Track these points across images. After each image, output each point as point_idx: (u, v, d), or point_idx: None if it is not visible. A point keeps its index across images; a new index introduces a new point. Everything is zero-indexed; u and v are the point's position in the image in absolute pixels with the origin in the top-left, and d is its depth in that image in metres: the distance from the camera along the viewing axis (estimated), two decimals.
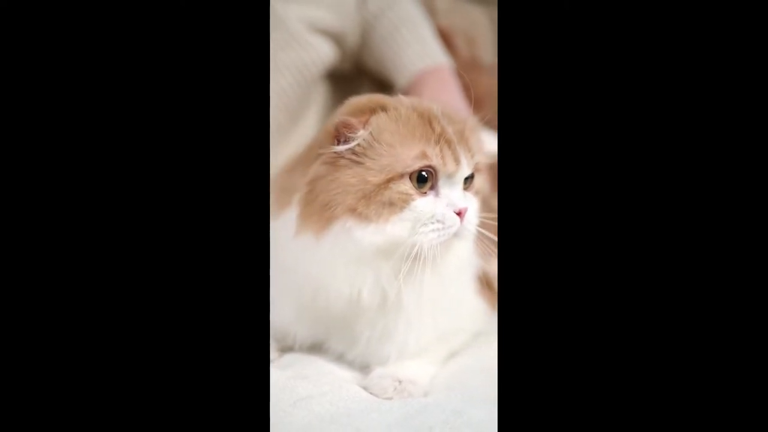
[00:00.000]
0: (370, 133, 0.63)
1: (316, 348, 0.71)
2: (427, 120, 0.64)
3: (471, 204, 0.65)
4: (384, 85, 1.11)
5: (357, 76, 1.14)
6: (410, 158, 0.62)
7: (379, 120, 0.63)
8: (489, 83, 1.15)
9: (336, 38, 1.09)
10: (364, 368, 0.69)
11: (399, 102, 0.66)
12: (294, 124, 1.08)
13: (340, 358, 0.70)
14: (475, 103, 1.17)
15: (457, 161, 0.63)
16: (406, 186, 0.62)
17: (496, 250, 0.72)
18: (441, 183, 0.63)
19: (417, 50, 1.09)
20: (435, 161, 0.62)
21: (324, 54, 1.07)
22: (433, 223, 0.62)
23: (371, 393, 0.66)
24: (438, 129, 0.63)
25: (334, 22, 1.08)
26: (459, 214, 0.63)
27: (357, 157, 0.62)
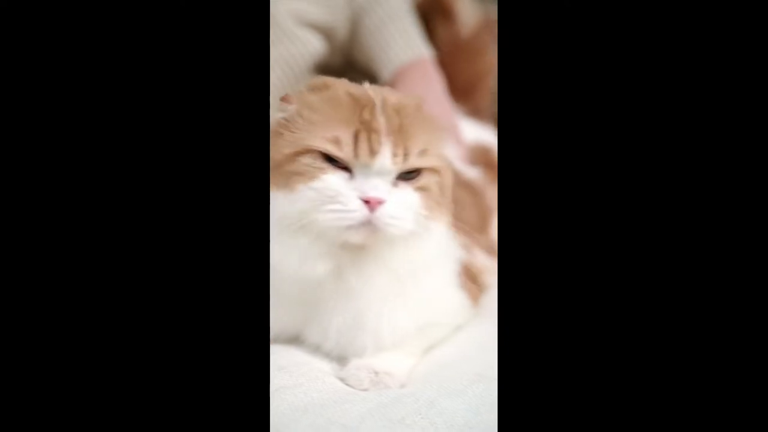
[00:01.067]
0: (296, 108, 0.65)
1: (293, 340, 0.72)
2: (360, 107, 0.64)
3: (395, 198, 0.63)
4: (373, 79, 1.13)
5: (347, 69, 1.16)
6: (322, 138, 0.62)
7: (310, 97, 0.65)
8: (490, 62, 1.17)
9: (325, 32, 1.10)
10: (342, 360, 0.69)
11: (341, 85, 0.67)
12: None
13: (317, 350, 0.70)
14: (472, 83, 1.20)
15: (373, 153, 0.62)
16: (314, 161, 0.63)
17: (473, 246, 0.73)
18: (357, 170, 0.63)
19: (401, 44, 1.10)
20: (345, 149, 0.62)
21: (312, 48, 1.08)
22: (333, 203, 0.62)
23: (348, 384, 0.66)
24: (367, 117, 0.63)
25: (323, 16, 1.09)
26: (368, 203, 0.62)
27: (281, 129, 0.65)
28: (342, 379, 0.67)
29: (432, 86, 1.06)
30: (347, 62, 1.16)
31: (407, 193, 0.64)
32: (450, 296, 0.73)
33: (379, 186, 0.62)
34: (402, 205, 0.63)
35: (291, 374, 0.66)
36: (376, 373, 0.67)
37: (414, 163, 0.64)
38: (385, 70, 1.09)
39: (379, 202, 0.62)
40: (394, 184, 0.64)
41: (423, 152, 0.65)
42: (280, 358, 0.69)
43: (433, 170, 0.66)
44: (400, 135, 0.64)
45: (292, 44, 1.06)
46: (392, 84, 1.04)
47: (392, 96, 0.67)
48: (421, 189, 0.65)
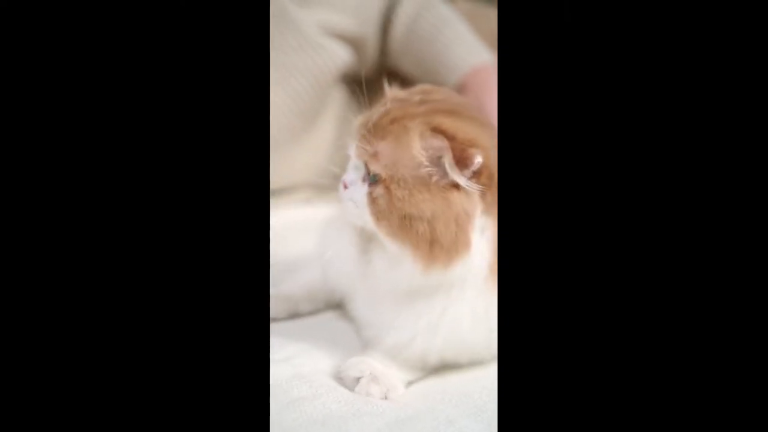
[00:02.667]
0: None
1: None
2: (377, 109, 0.68)
3: (356, 189, 0.67)
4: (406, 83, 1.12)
5: (375, 78, 1.15)
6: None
7: None
8: None
9: (354, 42, 1.10)
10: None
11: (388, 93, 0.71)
12: (309, 127, 1.09)
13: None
14: None
15: (353, 149, 0.67)
16: None
17: None
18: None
19: (463, 49, 1.09)
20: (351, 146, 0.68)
21: (339, 58, 1.08)
22: None
23: (340, 378, 0.68)
24: (368, 118, 0.67)
25: (352, 27, 1.09)
26: (344, 185, 0.68)
27: None
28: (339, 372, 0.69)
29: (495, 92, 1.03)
30: (380, 72, 1.14)
31: (363, 191, 0.66)
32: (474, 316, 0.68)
33: (350, 175, 0.68)
34: (358, 197, 0.66)
35: (311, 385, 0.66)
36: (360, 377, 0.67)
37: (372, 167, 0.65)
38: (451, 75, 1.08)
39: (345, 186, 0.68)
40: (363, 179, 0.66)
41: (387, 162, 0.64)
42: (302, 364, 0.69)
43: (386, 182, 0.64)
44: (374, 133, 0.65)
45: (317, 54, 1.05)
46: (460, 90, 1.03)
47: (400, 97, 0.69)
48: (371, 195, 0.65)
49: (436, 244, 0.62)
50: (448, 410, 0.63)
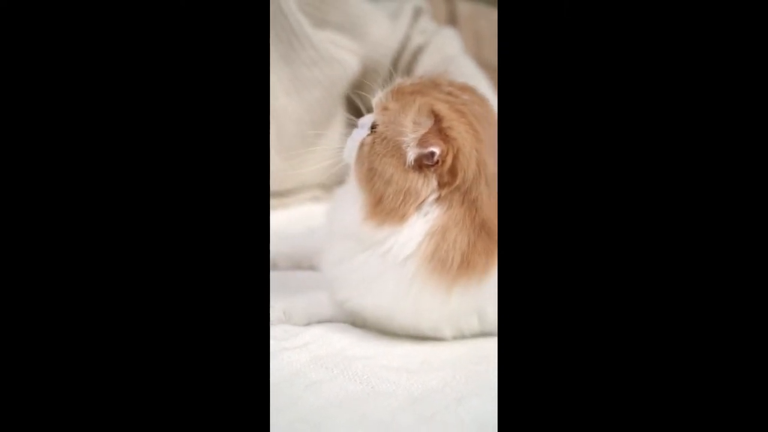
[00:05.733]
0: None
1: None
2: (413, 78, 0.78)
3: (361, 131, 0.75)
4: None
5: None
6: None
7: None
8: None
9: (363, 60, 1.14)
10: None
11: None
12: (320, 134, 1.14)
13: None
14: None
15: (376, 98, 0.76)
16: None
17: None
18: None
19: None
20: None
21: (350, 69, 1.12)
22: None
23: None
24: (402, 81, 0.76)
25: (364, 52, 1.15)
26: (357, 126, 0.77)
27: None
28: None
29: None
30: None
31: (362, 134, 0.74)
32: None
33: (365, 119, 0.76)
34: (357, 137, 0.74)
35: (327, 368, 0.69)
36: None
37: (377, 118, 0.73)
38: None
39: (357, 126, 0.76)
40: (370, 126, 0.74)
41: (387, 119, 0.72)
42: (318, 348, 0.72)
43: (376, 135, 0.72)
44: (393, 96, 0.73)
45: (330, 68, 1.10)
46: None
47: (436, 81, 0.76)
48: (363, 140, 0.74)
49: (380, 204, 0.70)
50: (459, 387, 0.67)
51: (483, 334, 0.75)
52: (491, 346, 0.71)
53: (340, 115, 1.17)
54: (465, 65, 1.20)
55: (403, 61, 1.20)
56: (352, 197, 0.73)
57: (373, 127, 0.72)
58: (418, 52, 1.19)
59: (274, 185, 1.10)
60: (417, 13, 1.23)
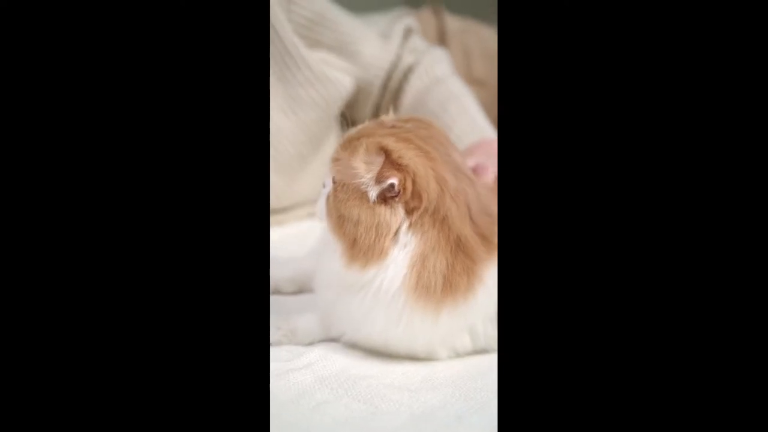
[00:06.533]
0: None
1: None
2: (358, 126, 0.81)
3: (326, 189, 0.78)
4: None
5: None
6: None
7: None
8: None
9: (356, 80, 1.18)
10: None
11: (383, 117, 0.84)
12: (315, 152, 1.17)
13: None
14: None
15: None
16: None
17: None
18: None
19: (464, 126, 1.18)
20: None
21: (344, 88, 1.16)
22: None
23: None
24: (349, 132, 0.80)
25: (357, 74, 1.19)
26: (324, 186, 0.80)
27: None
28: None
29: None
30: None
31: (327, 191, 0.78)
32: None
33: (328, 177, 0.78)
34: (323, 194, 0.78)
35: (331, 388, 0.72)
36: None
37: (333, 171, 0.77)
38: None
39: (324, 185, 0.79)
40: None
41: (341, 168, 0.75)
42: (324, 368, 0.75)
43: (336, 185, 0.76)
44: (342, 147, 0.77)
45: (325, 88, 1.13)
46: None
47: (382, 121, 0.80)
48: (328, 194, 0.77)
49: (356, 245, 0.73)
50: (458, 405, 0.70)
51: (477, 351, 0.78)
52: (487, 362, 0.75)
53: (334, 134, 1.20)
54: (453, 85, 1.23)
55: (393, 81, 1.23)
56: (331, 248, 0.76)
57: (334, 180, 0.76)
58: (408, 71, 1.23)
59: (271, 203, 1.13)
60: (407, 33, 1.27)
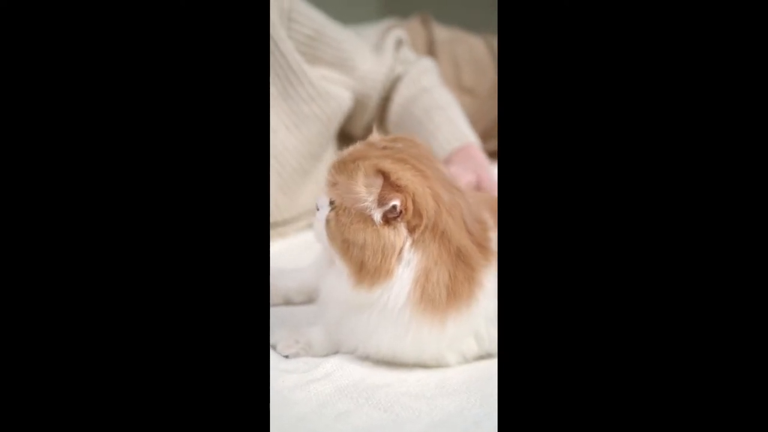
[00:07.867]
0: None
1: None
2: (349, 148, 0.83)
3: (322, 211, 0.80)
4: None
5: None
6: None
7: None
8: None
9: (354, 94, 1.22)
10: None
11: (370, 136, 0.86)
12: (315, 165, 1.19)
13: None
14: None
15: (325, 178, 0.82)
16: None
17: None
18: None
19: (448, 134, 1.23)
20: None
21: (344, 102, 1.19)
22: None
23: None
24: (341, 155, 0.82)
25: (356, 87, 1.22)
26: (317, 208, 0.82)
27: None
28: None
29: (480, 166, 1.19)
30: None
31: (324, 214, 0.79)
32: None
33: (321, 199, 0.80)
34: (321, 218, 0.79)
35: (351, 397, 0.74)
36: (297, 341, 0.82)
37: (331, 195, 0.78)
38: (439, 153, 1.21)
39: (317, 208, 0.80)
40: (328, 204, 0.79)
41: (340, 192, 0.77)
42: (341, 378, 0.77)
43: (337, 209, 0.77)
44: (337, 170, 0.79)
45: (326, 103, 1.16)
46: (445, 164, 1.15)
47: (372, 141, 0.83)
48: (328, 218, 0.78)
49: (364, 268, 0.75)
50: (474, 410, 0.72)
51: (483, 355, 0.81)
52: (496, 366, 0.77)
53: (333, 146, 1.23)
54: (438, 94, 1.28)
55: (386, 92, 1.27)
56: (336, 270, 0.78)
57: (332, 203, 0.78)
58: (397, 80, 1.28)
59: (273, 217, 1.15)
60: (398, 44, 1.31)
